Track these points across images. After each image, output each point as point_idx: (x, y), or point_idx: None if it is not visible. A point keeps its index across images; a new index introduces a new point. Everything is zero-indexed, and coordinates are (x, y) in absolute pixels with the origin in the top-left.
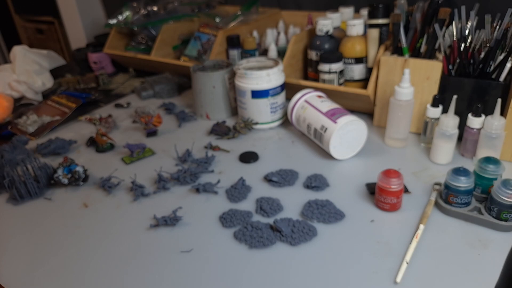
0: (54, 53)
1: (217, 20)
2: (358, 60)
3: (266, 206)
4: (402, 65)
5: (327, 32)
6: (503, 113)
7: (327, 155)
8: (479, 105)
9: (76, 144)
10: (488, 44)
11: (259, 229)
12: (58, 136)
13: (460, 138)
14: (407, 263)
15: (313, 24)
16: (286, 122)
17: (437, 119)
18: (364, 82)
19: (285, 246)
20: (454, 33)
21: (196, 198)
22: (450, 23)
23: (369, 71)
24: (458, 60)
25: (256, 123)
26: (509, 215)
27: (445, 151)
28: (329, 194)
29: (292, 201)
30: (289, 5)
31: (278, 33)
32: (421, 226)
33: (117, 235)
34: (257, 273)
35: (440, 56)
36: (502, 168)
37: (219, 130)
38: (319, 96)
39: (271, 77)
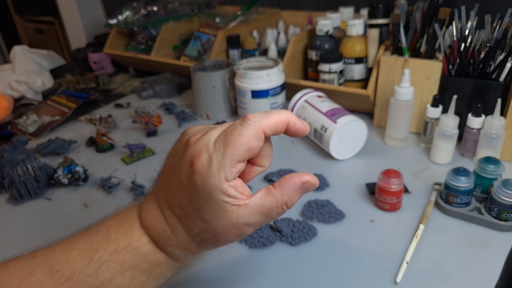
0: (54, 53)
1: (217, 20)
2: (358, 60)
3: None
4: (402, 65)
5: (327, 32)
6: (503, 113)
7: (327, 155)
8: (479, 105)
9: (76, 144)
10: (488, 44)
11: (259, 229)
12: (58, 136)
13: (460, 138)
14: (407, 263)
15: (313, 24)
16: None
17: (437, 119)
18: (364, 82)
19: (285, 246)
20: (454, 33)
21: None
22: (450, 23)
23: (369, 71)
24: (458, 60)
25: None
26: (509, 215)
27: (445, 151)
28: (329, 194)
29: None
30: (289, 5)
31: (278, 33)
32: (421, 226)
33: None
34: (257, 273)
35: (440, 56)
36: (502, 168)
37: None
38: (319, 96)
39: (271, 77)
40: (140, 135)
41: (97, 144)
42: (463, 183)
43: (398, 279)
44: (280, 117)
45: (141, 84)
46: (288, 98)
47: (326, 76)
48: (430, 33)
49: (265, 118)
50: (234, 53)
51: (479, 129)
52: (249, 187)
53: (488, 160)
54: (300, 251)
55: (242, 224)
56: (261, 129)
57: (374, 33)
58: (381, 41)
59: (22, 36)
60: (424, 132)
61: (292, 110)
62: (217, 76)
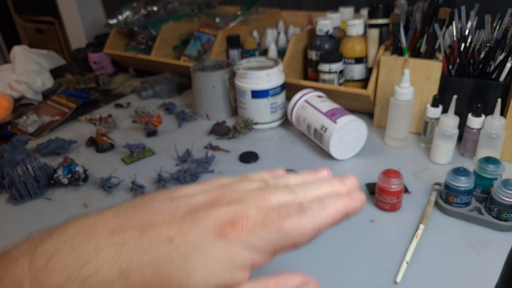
0: (54, 53)
1: (217, 20)
2: (358, 60)
3: None
4: (402, 65)
5: (327, 32)
6: (503, 113)
7: (327, 155)
8: (479, 105)
9: (76, 144)
10: (488, 44)
11: None
12: (58, 136)
13: (460, 138)
14: (407, 263)
15: (313, 24)
16: (286, 122)
17: (437, 119)
18: (364, 82)
19: None
20: (454, 33)
21: None
22: (450, 23)
23: (369, 71)
24: (458, 60)
25: (256, 123)
26: (509, 215)
27: (445, 151)
28: None
29: None
30: (289, 5)
31: (278, 33)
32: (421, 226)
33: None
34: (257, 273)
35: (440, 56)
36: (502, 168)
37: (219, 130)
38: (319, 96)
39: (271, 77)
40: (140, 135)
41: (97, 144)
42: (463, 183)
43: (398, 279)
44: (339, 209)
45: (141, 84)
46: (288, 98)
47: (326, 76)
48: (430, 33)
49: (323, 212)
50: (234, 53)
51: (479, 129)
52: None
53: (488, 160)
54: (299, 251)
55: None
56: (317, 228)
57: (374, 33)
58: (381, 41)
59: (22, 36)
60: (424, 132)
61: (292, 110)
62: (217, 76)
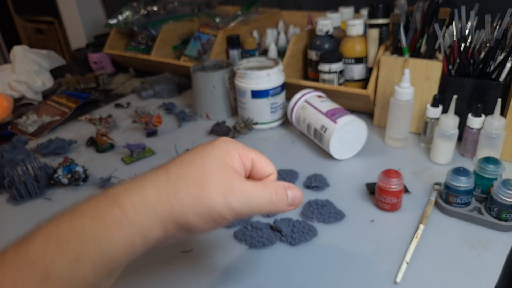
0: (54, 53)
1: (217, 20)
2: (358, 60)
3: None
4: (402, 65)
5: (327, 32)
6: (503, 113)
7: (327, 155)
8: (479, 105)
9: (76, 144)
10: (488, 44)
11: (259, 229)
12: (58, 136)
13: (460, 138)
14: (407, 263)
15: (313, 24)
16: (286, 122)
17: (437, 119)
18: (364, 82)
19: (285, 246)
20: (454, 33)
21: None
22: (450, 23)
23: (369, 71)
24: (458, 60)
25: (256, 123)
26: (509, 215)
27: (445, 151)
28: (329, 194)
29: None
30: (289, 5)
31: (278, 33)
32: (421, 226)
33: None
34: (257, 273)
35: (440, 56)
36: (502, 168)
37: (219, 130)
38: (319, 96)
39: (271, 77)
40: (140, 135)
41: (97, 144)
42: (463, 183)
43: (398, 279)
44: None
45: (141, 84)
46: (288, 98)
47: (326, 76)
48: (430, 33)
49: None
50: (234, 53)
51: (479, 129)
52: None
53: (488, 160)
54: (300, 251)
55: (230, 195)
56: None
57: (374, 33)
58: (381, 41)
59: (22, 36)
60: (424, 132)
61: (292, 110)
62: (217, 76)
